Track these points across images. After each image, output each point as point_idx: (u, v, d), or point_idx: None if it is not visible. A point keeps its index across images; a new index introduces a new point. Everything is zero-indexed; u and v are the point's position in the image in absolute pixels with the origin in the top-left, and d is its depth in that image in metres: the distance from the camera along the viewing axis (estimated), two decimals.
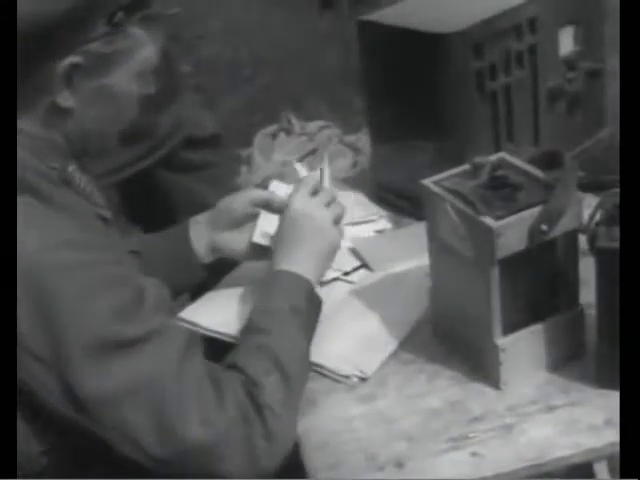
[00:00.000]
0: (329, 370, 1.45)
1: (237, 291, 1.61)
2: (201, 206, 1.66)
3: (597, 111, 1.90)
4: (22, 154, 1.20)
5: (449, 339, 1.45)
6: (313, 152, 3.47)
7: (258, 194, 1.61)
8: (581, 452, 1.26)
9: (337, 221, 1.52)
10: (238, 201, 1.60)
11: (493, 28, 1.65)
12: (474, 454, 1.27)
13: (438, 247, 1.41)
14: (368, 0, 2.90)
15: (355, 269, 1.68)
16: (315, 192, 1.52)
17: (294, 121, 3.62)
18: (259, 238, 1.58)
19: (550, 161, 1.37)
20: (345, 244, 1.72)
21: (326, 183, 1.60)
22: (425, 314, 1.51)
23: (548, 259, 1.34)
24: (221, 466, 1.21)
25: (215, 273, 1.64)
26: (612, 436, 1.25)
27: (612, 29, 1.68)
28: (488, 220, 1.28)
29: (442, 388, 1.39)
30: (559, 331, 1.37)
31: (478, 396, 1.36)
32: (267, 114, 3.72)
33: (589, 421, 1.29)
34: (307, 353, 1.38)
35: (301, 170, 1.72)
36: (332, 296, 1.60)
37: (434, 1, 1.76)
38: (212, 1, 4.33)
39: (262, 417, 1.23)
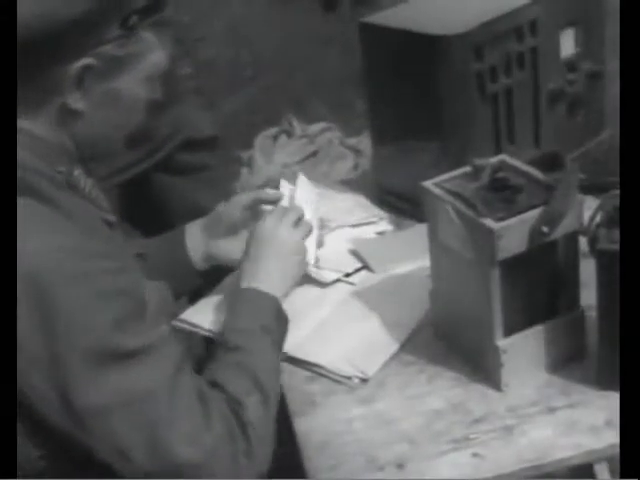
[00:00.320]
0: (330, 371, 1.45)
1: None
2: (197, 209, 1.67)
3: (598, 113, 1.90)
4: (29, 157, 1.20)
5: (450, 340, 1.46)
6: (314, 154, 3.47)
7: (247, 197, 1.63)
8: (581, 453, 1.26)
9: (304, 239, 1.56)
10: (231, 207, 1.62)
11: (494, 30, 1.65)
12: (475, 455, 1.27)
13: (439, 249, 1.41)
14: (370, 2, 2.91)
15: (356, 271, 1.68)
16: (283, 212, 1.56)
17: (295, 123, 3.62)
18: None
19: (551, 163, 1.38)
20: (346, 246, 1.73)
21: (297, 201, 1.65)
22: (426, 316, 1.52)
23: (549, 261, 1.34)
24: None
25: (211, 279, 1.65)
26: (612, 437, 1.25)
27: (612, 31, 1.68)
28: (489, 222, 1.28)
29: (443, 389, 1.39)
30: (560, 333, 1.37)
31: (479, 397, 1.37)
32: (268, 116, 3.72)
33: (590, 422, 1.29)
34: (279, 370, 1.39)
35: (284, 187, 1.73)
36: (333, 298, 1.61)
37: (435, 3, 1.76)
38: (213, 2, 4.33)
39: (246, 435, 1.23)
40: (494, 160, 1.40)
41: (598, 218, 1.30)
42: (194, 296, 1.67)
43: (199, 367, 1.34)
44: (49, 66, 1.19)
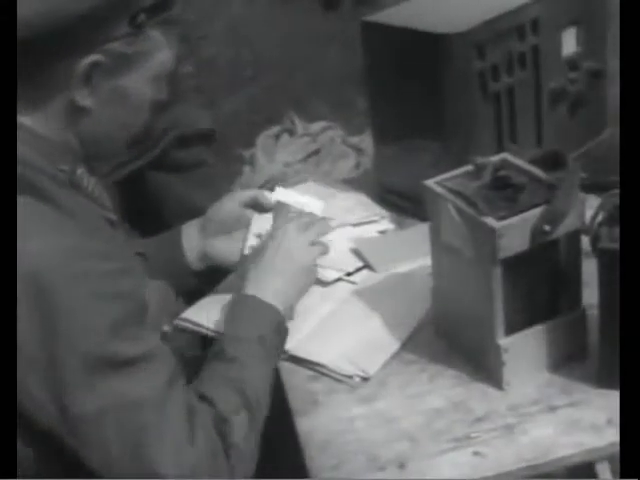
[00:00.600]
0: (331, 370, 1.45)
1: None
2: (193, 208, 1.66)
3: (599, 111, 1.90)
4: (32, 155, 1.20)
5: (451, 339, 1.46)
6: (316, 153, 3.47)
7: (245, 194, 1.62)
8: (583, 452, 1.26)
9: (317, 259, 1.55)
10: (227, 206, 1.61)
11: (495, 29, 1.65)
12: (476, 454, 1.27)
13: (440, 248, 1.41)
14: (371, 1, 2.91)
15: (358, 270, 1.68)
16: (305, 227, 1.55)
17: (297, 122, 3.62)
18: (254, 242, 1.59)
19: (552, 162, 1.38)
20: (348, 245, 1.73)
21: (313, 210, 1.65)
22: (427, 314, 1.52)
23: (550, 260, 1.34)
24: None
25: (207, 279, 1.64)
26: (613, 436, 1.25)
27: (614, 30, 1.68)
28: (490, 221, 1.28)
29: (444, 388, 1.39)
30: (561, 332, 1.37)
31: (480, 396, 1.36)
32: (270, 115, 3.72)
33: (591, 421, 1.29)
34: (269, 385, 1.36)
35: (280, 193, 1.73)
36: (335, 297, 1.61)
37: (437, 2, 1.76)
38: (214, 1, 4.33)
39: (229, 454, 1.22)
40: (496, 159, 1.40)
41: (600, 217, 1.29)
42: (190, 296, 1.66)
43: (194, 369, 1.34)
44: (57, 62, 1.19)
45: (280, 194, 1.70)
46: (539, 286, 1.35)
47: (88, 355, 1.14)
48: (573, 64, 1.81)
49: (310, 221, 1.58)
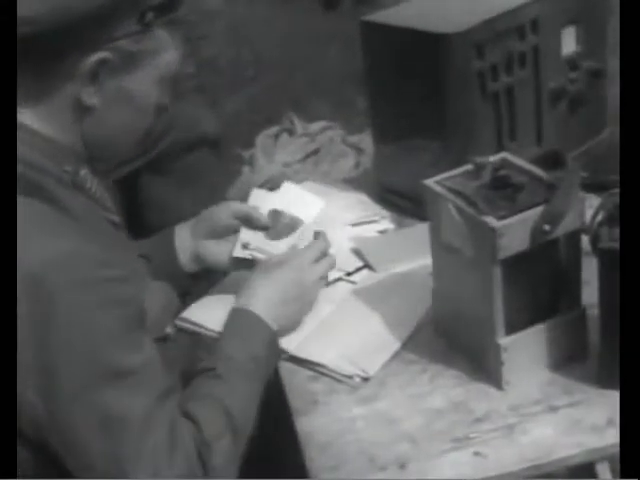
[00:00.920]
0: (331, 370, 1.45)
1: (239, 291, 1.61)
2: (184, 212, 1.66)
3: (599, 111, 1.90)
4: (36, 156, 1.20)
5: (451, 339, 1.45)
6: (315, 153, 3.47)
7: (239, 207, 1.63)
8: (583, 452, 1.26)
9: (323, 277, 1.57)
10: (220, 212, 1.61)
11: (495, 28, 1.65)
12: (476, 454, 1.27)
13: (440, 247, 1.41)
14: (371, 0, 2.91)
15: (357, 269, 1.68)
16: (319, 257, 1.56)
17: (297, 122, 3.62)
18: (239, 252, 1.59)
19: (552, 161, 1.37)
20: (347, 244, 1.73)
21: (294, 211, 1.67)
22: (427, 314, 1.51)
23: (550, 259, 1.34)
24: None
25: (201, 282, 1.64)
26: (614, 436, 1.25)
27: (614, 28, 1.68)
28: (490, 220, 1.28)
29: (445, 388, 1.39)
30: (561, 331, 1.37)
31: (481, 396, 1.36)
32: (269, 115, 3.72)
33: (591, 421, 1.29)
34: (256, 405, 1.34)
35: (287, 187, 1.74)
36: (334, 296, 1.61)
37: (436, 2, 1.76)
38: (216, 1, 4.34)
39: (206, 477, 1.20)
40: (495, 158, 1.40)
41: (600, 216, 1.29)
42: (184, 298, 1.66)
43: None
44: (64, 59, 1.19)
45: (287, 189, 1.73)
46: (539, 286, 1.35)
47: (81, 362, 1.14)
48: (573, 63, 1.81)
49: (325, 248, 1.59)
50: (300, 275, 1.51)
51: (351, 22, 1.95)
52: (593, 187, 1.48)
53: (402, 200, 1.81)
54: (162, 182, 2.22)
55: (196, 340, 1.62)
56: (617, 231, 1.24)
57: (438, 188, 1.37)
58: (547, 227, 1.29)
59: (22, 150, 1.18)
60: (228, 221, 1.61)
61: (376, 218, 1.82)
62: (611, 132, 1.91)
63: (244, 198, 1.73)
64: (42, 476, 1.20)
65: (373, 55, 1.76)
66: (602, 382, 1.32)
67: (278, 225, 1.66)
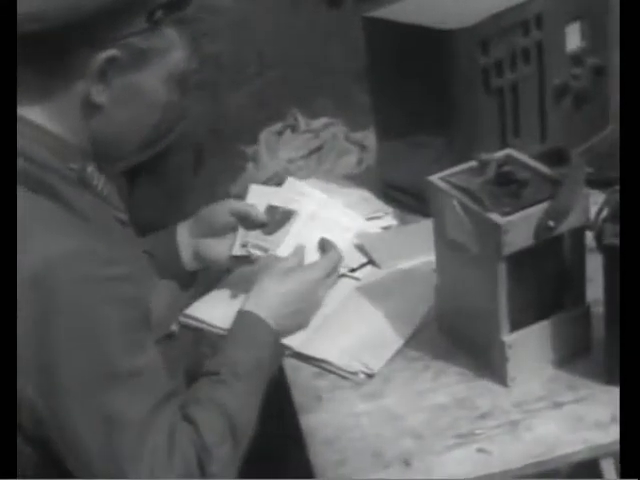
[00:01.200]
0: (335, 366, 1.45)
1: (242, 287, 1.61)
2: (180, 212, 1.66)
3: (603, 107, 1.90)
4: (43, 154, 1.20)
5: (456, 336, 1.45)
6: (319, 149, 3.47)
7: (237, 206, 1.63)
8: (587, 448, 1.26)
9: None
10: (218, 211, 1.61)
11: (499, 24, 1.65)
12: (480, 450, 1.27)
13: (444, 244, 1.40)
14: None
15: (361, 266, 1.67)
16: (333, 269, 1.57)
17: (300, 118, 3.62)
18: (238, 251, 1.59)
19: (557, 157, 1.37)
20: (351, 241, 1.73)
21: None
22: (431, 311, 1.51)
23: (555, 256, 1.34)
24: None
25: (202, 281, 1.64)
26: (618, 433, 1.24)
27: (617, 25, 1.67)
28: (495, 216, 1.28)
29: (448, 385, 1.39)
30: (566, 328, 1.37)
31: (485, 393, 1.36)
32: (273, 111, 3.72)
33: (596, 417, 1.29)
34: (258, 409, 1.33)
35: (292, 184, 1.75)
36: (338, 293, 1.60)
37: None
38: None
39: None
40: (500, 154, 1.40)
41: (604, 213, 1.29)
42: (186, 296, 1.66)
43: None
44: (73, 56, 1.19)
45: (290, 185, 1.73)
46: (544, 282, 1.35)
47: (82, 361, 1.13)
48: (577, 59, 1.80)
49: (338, 262, 1.60)
50: (312, 289, 1.52)
51: (355, 19, 1.95)
52: (597, 183, 1.47)
53: (405, 196, 1.81)
54: (157, 182, 2.22)
55: (200, 336, 1.62)
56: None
57: (442, 184, 1.37)
58: (552, 223, 1.28)
59: (29, 147, 1.18)
60: (226, 219, 1.61)
61: (380, 214, 1.82)
62: (614, 129, 1.91)
63: None
64: (42, 476, 1.20)
65: (376, 51, 1.76)
66: (606, 378, 1.32)
67: (273, 220, 1.66)
